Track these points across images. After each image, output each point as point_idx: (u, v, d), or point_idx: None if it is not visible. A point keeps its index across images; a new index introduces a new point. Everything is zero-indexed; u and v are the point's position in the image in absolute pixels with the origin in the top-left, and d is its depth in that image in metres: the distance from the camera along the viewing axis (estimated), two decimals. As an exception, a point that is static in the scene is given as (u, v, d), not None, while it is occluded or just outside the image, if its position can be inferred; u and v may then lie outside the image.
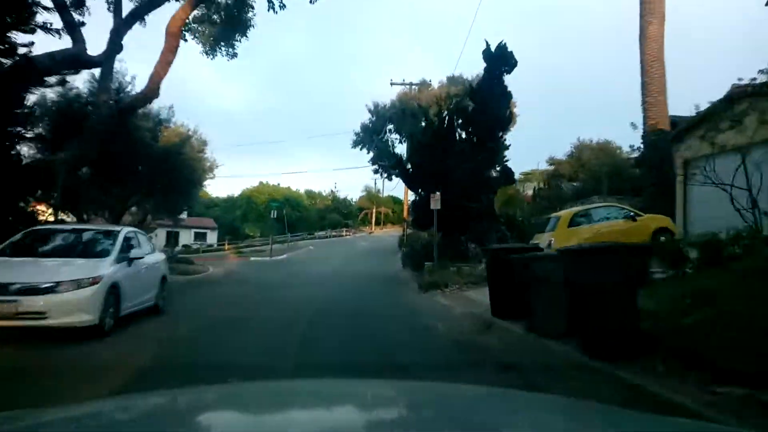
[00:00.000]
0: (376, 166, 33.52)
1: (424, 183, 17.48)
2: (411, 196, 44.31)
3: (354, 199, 79.44)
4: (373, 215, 77.13)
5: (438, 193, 15.90)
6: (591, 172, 32.09)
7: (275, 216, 38.63)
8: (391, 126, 32.92)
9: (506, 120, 16.95)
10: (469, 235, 17.67)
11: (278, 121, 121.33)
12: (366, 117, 33.89)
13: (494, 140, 17.02)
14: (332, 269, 23.32)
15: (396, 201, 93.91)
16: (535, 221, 19.07)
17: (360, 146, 33.41)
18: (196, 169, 19.32)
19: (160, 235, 56.02)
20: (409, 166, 19.14)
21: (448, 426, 1.42)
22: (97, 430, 1.41)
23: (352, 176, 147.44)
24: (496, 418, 1.56)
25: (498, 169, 16.92)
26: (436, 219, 15.99)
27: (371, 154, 33.23)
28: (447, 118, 17.22)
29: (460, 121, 17.75)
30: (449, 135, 16.86)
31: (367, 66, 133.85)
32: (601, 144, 37.64)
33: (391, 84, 35.54)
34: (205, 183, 21.91)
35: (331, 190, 76.15)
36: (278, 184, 62.82)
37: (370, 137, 32.60)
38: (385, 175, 34.05)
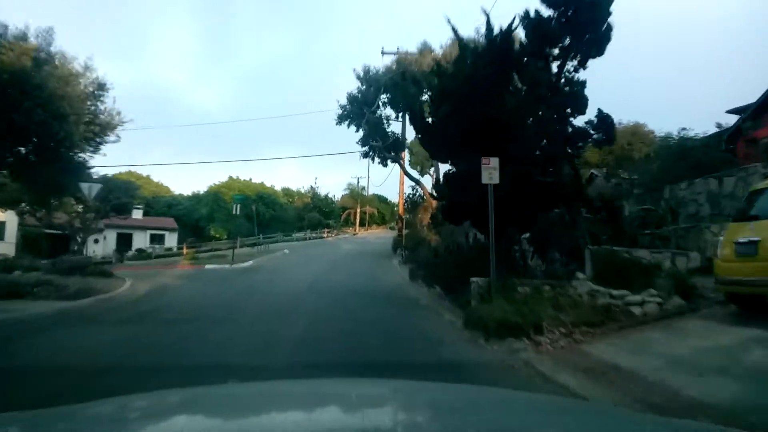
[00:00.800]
0: (366, 148, 26.30)
1: (459, 145, 10.35)
2: (408, 188, 37.14)
3: (336, 197, 72.19)
4: (357, 215, 69.85)
5: (495, 158, 8.88)
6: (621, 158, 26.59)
7: (237, 212, 31.28)
8: (385, 98, 25.76)
9: (602, 35, 10.04)
10: (535, 232, 10.69)
11: (260, 123, 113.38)
12: (354, 86, 26.64)
13: (580, 69, 10.04)
14: (310, 281, 16.12)
15: (382, 200, 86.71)
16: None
17: (347, 122, 26.00)
18: (65, 108, 11.36)
19: (110, 237, 48.38)
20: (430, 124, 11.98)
21: (448, 425, 1.41)
22: (95, 430, 1.39)
23: (334, 173, 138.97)
24: (494, 418, 1.49)
25: (594, 120, 9.81)
26: (491, 202, 8.93)
27: (361, 133, 26.01)
28: (502, 31, 10.10)
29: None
30: (507, 59, 9.79)
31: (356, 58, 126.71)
32: (631, 127, 31.48)
33: (383, 53, 28.38)
34: (102, 147, 14.03)
35: (311, 187, 68.44)
36: (250, 179, 55.08)
37: (359, 110, 25.28)
38: (378, 159, 26.76)
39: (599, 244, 10.11)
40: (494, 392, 2.26)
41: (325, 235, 55.10)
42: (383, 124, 25.06)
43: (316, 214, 57.44)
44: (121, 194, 32.73)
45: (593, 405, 2.10)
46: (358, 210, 69.98)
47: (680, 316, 6.92)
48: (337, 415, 1.54)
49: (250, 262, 26.58)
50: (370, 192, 74.24)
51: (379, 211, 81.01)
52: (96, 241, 46.69)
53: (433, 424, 1.46)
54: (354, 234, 63.29)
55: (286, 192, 68.73)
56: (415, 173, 32.24)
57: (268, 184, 58.46)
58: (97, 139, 13.82)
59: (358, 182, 74.30)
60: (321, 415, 1.54)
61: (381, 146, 25.10)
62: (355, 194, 69.99)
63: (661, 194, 12.73)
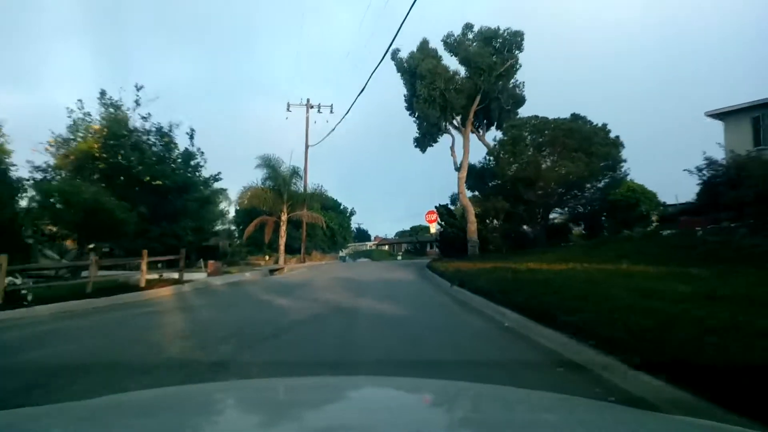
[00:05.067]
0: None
1: None
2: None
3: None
4: (283, 227, 30.13)
5: None
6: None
7: None
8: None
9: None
10: None
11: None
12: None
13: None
14: None
15: (334, 206, 46.99)
16: None
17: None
18: None
19: None
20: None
21: (455, 424, 1.39)
22: (98, 429, 1.31)
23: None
24: (498, 416, 1.46)
25: None
26: None
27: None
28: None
29: None
30: None
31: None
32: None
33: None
34: None
35: (102, 94, 20.64)
36: None
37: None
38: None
39: None
40: (499, 390, 2.09)
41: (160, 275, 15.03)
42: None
43: (112, 202, 16.03)
44: None
45: (592, 403, 1.86)
46: (285, 216, 30.18)
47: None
48: (353, 414, 1.48)
49: None
50: (311, 181, 34.55)
51: (327, 225, 41.21)
52: None
53: (433, 420, 1.40)
54: (276, 270, 23.64)
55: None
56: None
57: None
58: None
59: (291, 158, 32.99)
60: (329, 413, 1.50)
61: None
62: (279, 181, 30.20)
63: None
